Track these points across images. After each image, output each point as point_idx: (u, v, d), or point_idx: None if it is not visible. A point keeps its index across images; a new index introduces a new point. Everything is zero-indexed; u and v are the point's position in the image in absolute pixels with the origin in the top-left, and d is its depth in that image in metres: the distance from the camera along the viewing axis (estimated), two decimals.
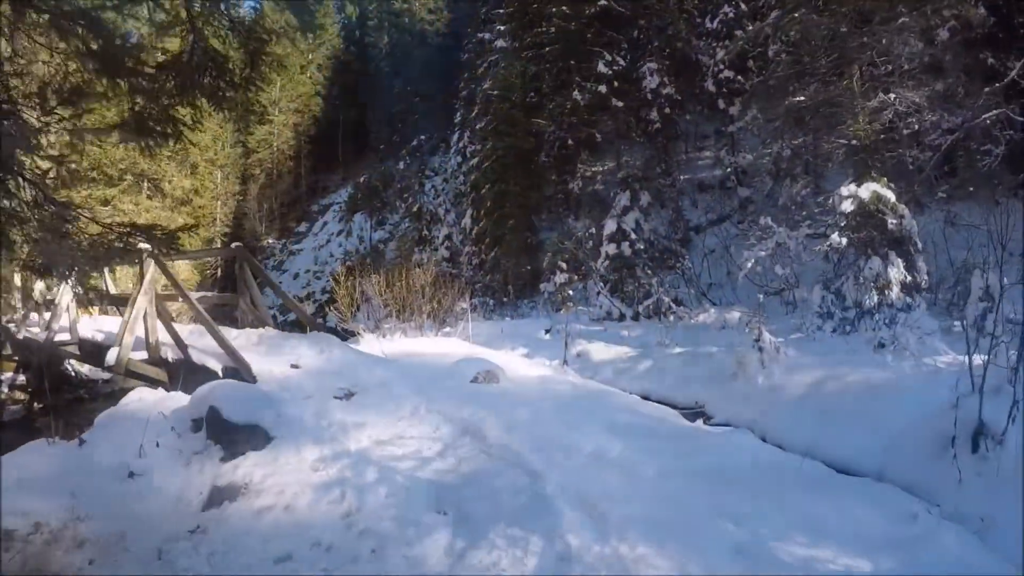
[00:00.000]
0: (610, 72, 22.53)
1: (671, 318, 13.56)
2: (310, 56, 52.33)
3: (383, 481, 4.71)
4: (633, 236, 16.10)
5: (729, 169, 21.19)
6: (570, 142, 23.51)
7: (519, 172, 23.58)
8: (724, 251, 17.76)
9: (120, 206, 26.89)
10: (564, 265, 17.34)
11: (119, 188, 27.53)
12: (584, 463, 4.91)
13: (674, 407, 8.27)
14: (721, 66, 20.60)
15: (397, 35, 48.90)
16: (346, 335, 12.63)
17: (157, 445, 5.50)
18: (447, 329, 14.36)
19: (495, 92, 24.14)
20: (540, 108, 24.51)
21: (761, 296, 10.44)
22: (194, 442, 5.62)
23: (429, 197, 33.59)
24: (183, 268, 29.92)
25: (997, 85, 12.77)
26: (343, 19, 58.47)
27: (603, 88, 22.39)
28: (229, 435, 5.52)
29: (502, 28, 26.80)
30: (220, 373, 7.57)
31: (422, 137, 39.69)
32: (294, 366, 7.58)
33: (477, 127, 25.62)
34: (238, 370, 7.37)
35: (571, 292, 17.22)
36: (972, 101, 12.70)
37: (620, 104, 22.53)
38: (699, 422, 7.19)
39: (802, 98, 14.29)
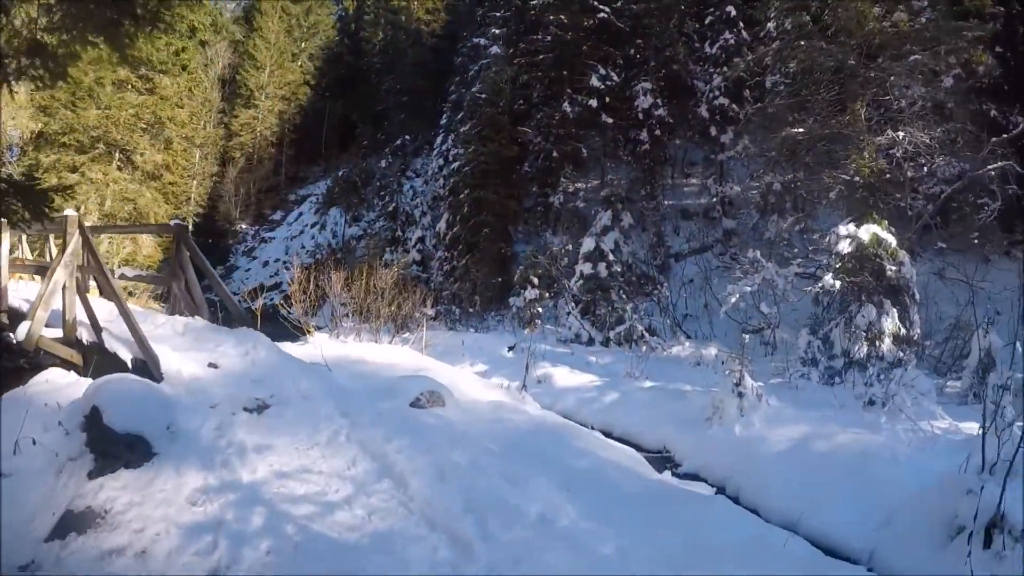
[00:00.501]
0: (603, 87, 21.91)
1: (643, 348, 12.71)
2: (303, 44, 51.63)
3: (269, 531, 3.76)
4: (611, 257, 15.27)
5: (715, 199, 20.50)
6: (555, 155, 22.67)
7: (499, 180, 22.79)
8: (704, 282, 16.97)
9: (89, 174, 26.25)
10: (536, 280, 16.49)
11: (89, 156, 26.67)
12: (527, 535, 3.91)
13: (639, 449, 7.44)
14: (716, 93, 19.98)
15: (392, 32, 47.79)
16: (297, 333, 11.67)
17: (34, 443, 4.63)
18: (406, 334, 13.39)
19: (483, 96, 23.25)
20: (527, 118, 23.85)
21: (746, 337, 9.57)
22: (75, 445, 4.68)
23: (407, 198, 32.64)
24: (146, 243, 28.65)
25: (1005, 136, 12.19)
26: (340, 11, 57.56)
27: (594, 102, 21.73)
28: (106, 444, 4.57)
29: (497, 32, 25.96)
30: (129, 364, 6.63)
31: (407, 137, 38.62)
32: (212, 365, 6.61)
33: (461, 130, 24.67)
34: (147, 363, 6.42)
35: (540, 310, 16.38)
36: (973, 153, 12.14)
37: (610, 121, 21.88)
38: (667, 473, 6.29)
39: (800, 130, 13.62)
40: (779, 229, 15.23)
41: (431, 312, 15.79)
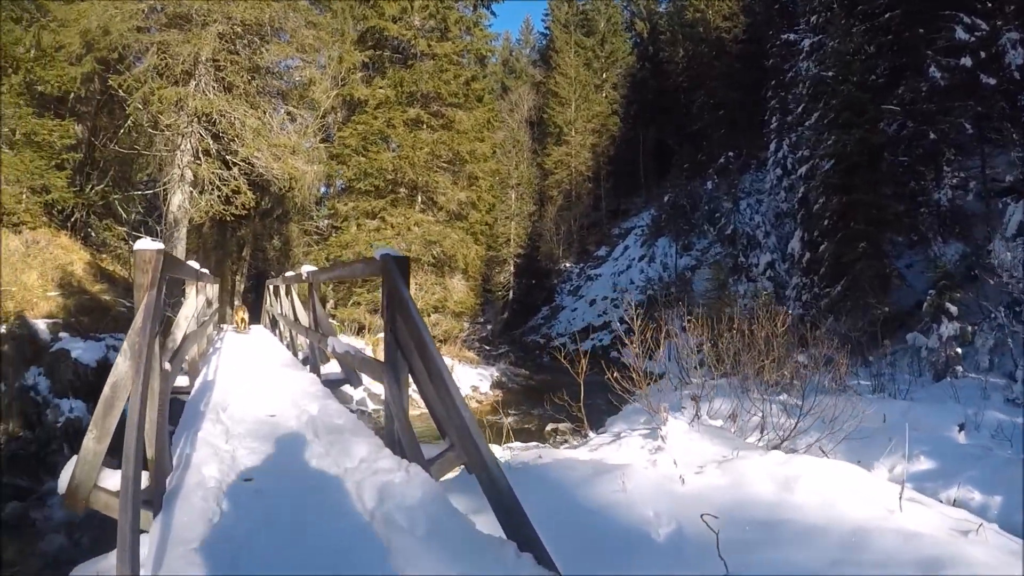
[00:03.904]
0: (972, 39, 17.13)
1: None
2: (603, 75, 51.55)
3: None
4: None
5: None
6: (931, 135, 18.02)
7: (866, 178, 18.17)
8: None
9: (389, 219, 26.06)
10: (954, 309, 12.38)
11: (387, 199, 26.40)
12: None
13: None
14: None
15: (692, 47, 45.76)
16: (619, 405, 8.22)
17: None
18: (790, 399, 9.17)
19: (829, 74, 19.10)
20: (883, 95, 19.55)
21: None
22: None
23: (744, 218, 29.25)
24: (458, 288, 27.77)
25: None
26: (634, 36, 56.45)
27: (967, 61, 17.00)
28: None
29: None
30: None
31: (730, 154, 35.50)
32: None
33: (807, 124, 20.77)
34: None
35: (959, 350, 12.35)
36: None
37: (993, 82, 16.90)
38: None
39: None
40: None
41: (803, 360, 11.69)
